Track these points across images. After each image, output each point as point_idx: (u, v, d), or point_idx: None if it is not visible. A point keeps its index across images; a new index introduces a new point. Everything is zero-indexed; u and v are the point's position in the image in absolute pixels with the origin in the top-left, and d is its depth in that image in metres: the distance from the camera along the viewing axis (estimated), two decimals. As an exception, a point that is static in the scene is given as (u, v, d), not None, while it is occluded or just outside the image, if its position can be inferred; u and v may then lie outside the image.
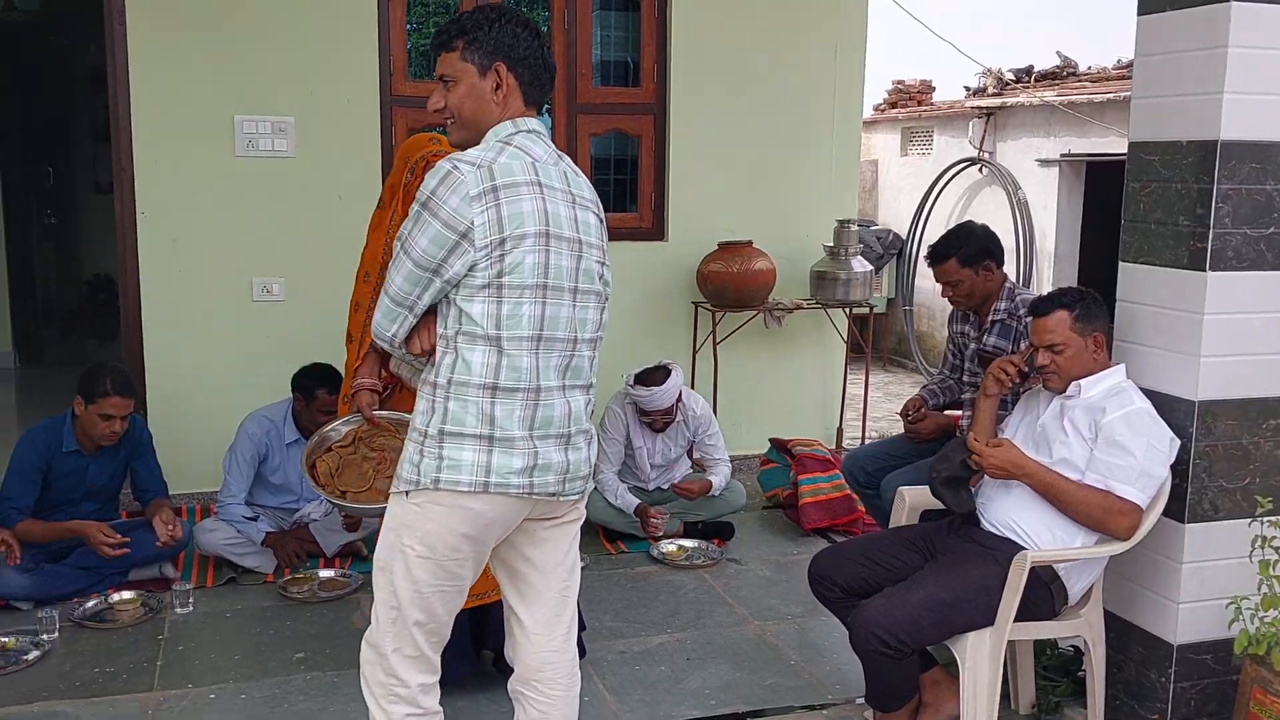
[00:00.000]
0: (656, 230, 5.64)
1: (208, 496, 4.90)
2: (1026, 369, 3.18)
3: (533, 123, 2.32)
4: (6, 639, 3.68)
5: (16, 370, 7.53)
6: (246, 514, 4.35)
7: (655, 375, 4.60)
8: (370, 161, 5.02)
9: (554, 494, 2.30)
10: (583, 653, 3.19)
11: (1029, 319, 3.21)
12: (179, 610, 3.97)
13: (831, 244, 5.62)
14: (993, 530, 3.07)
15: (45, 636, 3.70)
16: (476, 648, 3.33)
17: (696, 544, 4.72)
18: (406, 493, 2.25)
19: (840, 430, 6.01)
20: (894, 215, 9.87)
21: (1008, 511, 3.06)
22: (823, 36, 5.67)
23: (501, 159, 2.22)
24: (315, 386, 4.31)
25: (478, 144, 2.28)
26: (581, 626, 3.22)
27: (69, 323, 8.83)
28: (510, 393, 2.22)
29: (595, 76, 5.52)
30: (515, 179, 2.21)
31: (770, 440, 5.35)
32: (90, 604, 3.96)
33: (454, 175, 2.16)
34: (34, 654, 3.61)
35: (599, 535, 4.77)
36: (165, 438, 4.50)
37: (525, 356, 2.22)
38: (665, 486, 4.90)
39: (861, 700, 3.33)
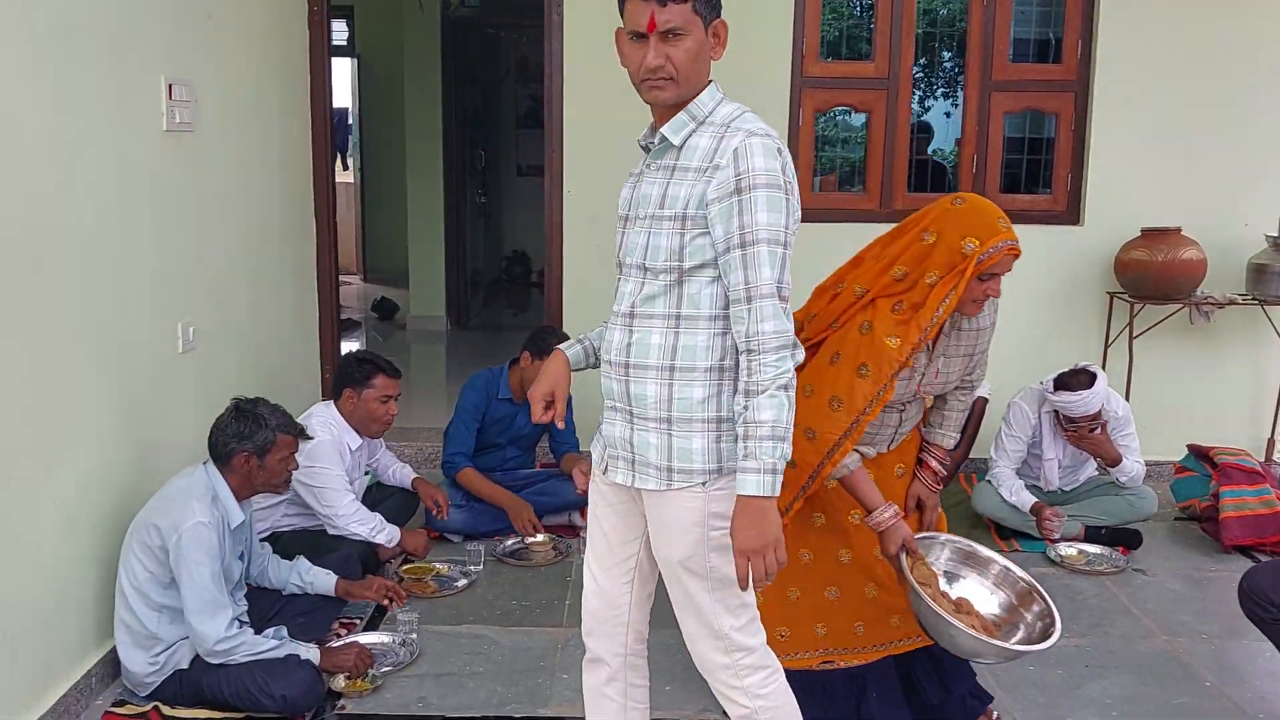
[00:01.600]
0: (1071, 214, 5.32)
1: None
2: None
3: None
4: (441, 565, 4.13)
5: (448, 332, 8.38)
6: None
7: (1078, 379, 4.33)
8: (777, 141, 5.12)
9: None
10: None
11: None
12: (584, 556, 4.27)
13: (1276, 234, 5.06)
14: None
15: (472, 568, 4.11)
16: (907, 696, 3.08)
17: (1099, 549, 4.43)
18: (704, 483, 2.17)
19: (1272, 441, 5.41)
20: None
21: None
22: None
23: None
24: None
25: (682, 106, 2.12)
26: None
27: (490, 292, 9.74)
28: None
29: (1011, 52, 5.30)
30: None
31: (1188, 447, 4.91)
32: (509, 542, 4.35)
33: (784, 151, 2.10)
34: (463, 582, 4.03)
35: (990, 531, 4.60)
36: (576, 400, 4.82)
37: None
38: (1068, 489, 4.64)
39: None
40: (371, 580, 3.74)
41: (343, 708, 3.16)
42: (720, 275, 2.10)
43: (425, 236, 8.26)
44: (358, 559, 3.82)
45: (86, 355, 3.17)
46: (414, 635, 3.52)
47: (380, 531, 3.94)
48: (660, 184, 2.14)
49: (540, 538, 4.40)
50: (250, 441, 3.17)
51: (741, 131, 2.07)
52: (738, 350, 2.11)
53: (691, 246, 2.10)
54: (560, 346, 2.40)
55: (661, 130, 2.14)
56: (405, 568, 4.09)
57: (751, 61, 4.91)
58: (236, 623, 3.08)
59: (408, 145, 8.18)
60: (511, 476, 4.62)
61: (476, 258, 9.17)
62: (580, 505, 4.57)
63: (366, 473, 4.28)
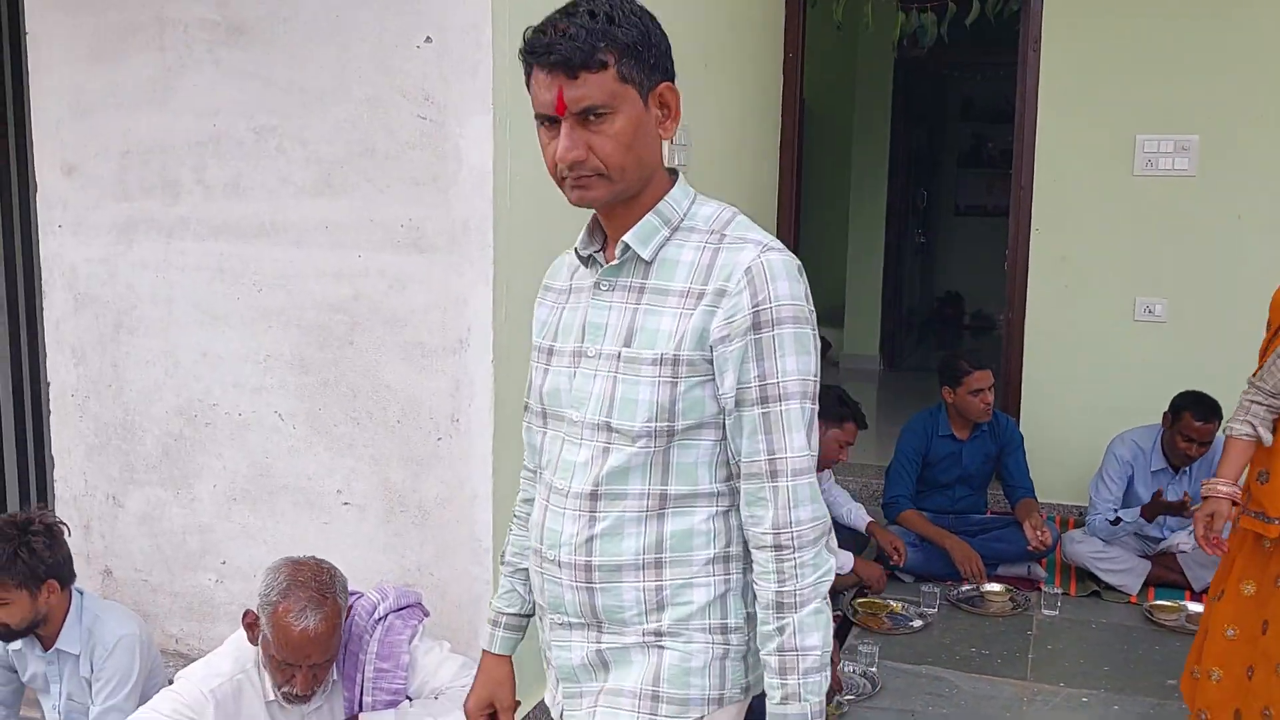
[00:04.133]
0: None
1: (1067, 509, 4.99)
2: None
3: None
4: (895, 603, 4.13)
5: (880, 372, 8.39)
6: (1103, 536, 4.32)
7: None
8: (1274, 181, 4.69)
9: None
10: None
11: None
12: (1046, 612, 4.11)
13: None
14: None
15: (927, 609, 4.08)
16: None
17: None
18: (700, 718, 1.61)
19: None
20: None
21: None
22: None
23: None
24: (1184, 406, 4.19)
25: (635, 204, 1.57)
26: None
27: (922, 333, 9.65)
28: None
29: None
30: None
31: None
32: (964, 588, 4.28)
33: (803, 272, 1.57)
34: (918, 623, 4.01)
35: None
36: (1032, 446, 4.67)
37: None
38: None
39: None
40: None
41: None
42: (724, 437, 1.56)
43: (863, 275, 8.34)
44: None
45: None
46: (874, 668, 3.55)
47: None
48: (622, 311, 1.56)
49: (996, 587, 4.29)
50: None
51: (750, 244, 1.52)
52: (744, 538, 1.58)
53: (687, 400, 1.53)
54: (485, 644, 1.83)
55: (624, 239, 1.55)
56: (859, 600, 4.13)
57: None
58: None
59: (851, 185, 8.31)
60: (964, 521, 4.54)
61: (912, 297, 9.12)
62: (1039, 557, 4.41)
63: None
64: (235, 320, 3.14)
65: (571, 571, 1.58)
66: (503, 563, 1.83)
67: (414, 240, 2.92)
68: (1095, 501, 4.37)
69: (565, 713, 1.67)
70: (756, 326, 1.49)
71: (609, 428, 1.55)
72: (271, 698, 2.44)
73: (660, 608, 1.57)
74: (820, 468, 4.17)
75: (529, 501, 1.77)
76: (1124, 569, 4.27)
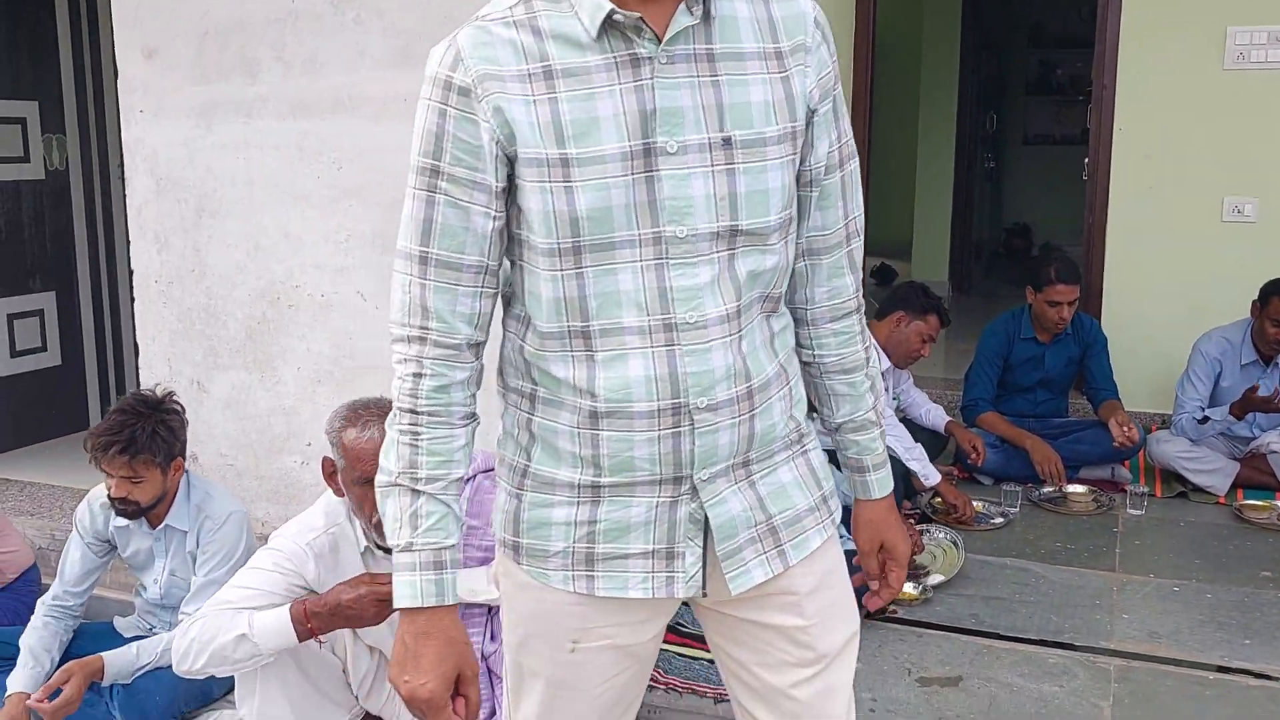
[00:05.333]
0: None
1: (1150, 417, 4.88)
2: None
3: None
4: (976, 502, 4.06)
5: (949, 297, 8.26)
6: (1191, 435, 4.22)
7: None
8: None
9: None
10: None
11: None
12: (1131, 511, 4.02)
13: None
14: None
15: (1008, 508, 4.01)
16: None
17: None
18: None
19: None
20: None
21: None
22: None
23: None
24: (1273, 292, 4.09)
25: None
26: None
27: (990, 262, 9.49)
28: None
29: None
30: None
31: None
32: (1046, 489, 4.19)
33: None
34: (999, 520, 3.94)
35: None
36: (1114, 353, 4.55)
37: None
38: None
39: None
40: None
41: (894, 612, 3.21)
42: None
43: (932, 204, 8.20)
44: None
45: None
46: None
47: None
48: (698, 88, 1.30)
49: (1079, 488, 4.20)
50: None
51: None
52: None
53: (794, 178, 1.39)
54: (431, 598, 1.36)
55: None
56: (937, 499, 4.07)
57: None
58: None
59: (920, 115, 8.16)
60: (1045, 425, 4.44)
61: (980, 228, 8.96)
62: (1123, 458, 4.32)
63: (894, 399, 4.30)
64: (316, 200, 3.14)
65: (733, 407, 1.37)
66: (418, 482, 1.36)
67: (495, 110, 2.89)
68: (1182, 401, 4.26)
69: (733, 574, 1.41)
70: (836, 82, 1.40)
71: (735, 232, 1.32)
72: (365, 545, 2.45)
73: (793, 411, 1.47)
74: (902, 364, 4.14)
75: (444, 390, 1.36)
76: (1212, 469, 4.16)
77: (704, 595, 1.43)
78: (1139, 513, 4.00)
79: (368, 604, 2.29)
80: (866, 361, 1.53)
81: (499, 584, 1.51)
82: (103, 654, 2.70)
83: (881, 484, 1.58)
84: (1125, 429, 4.14)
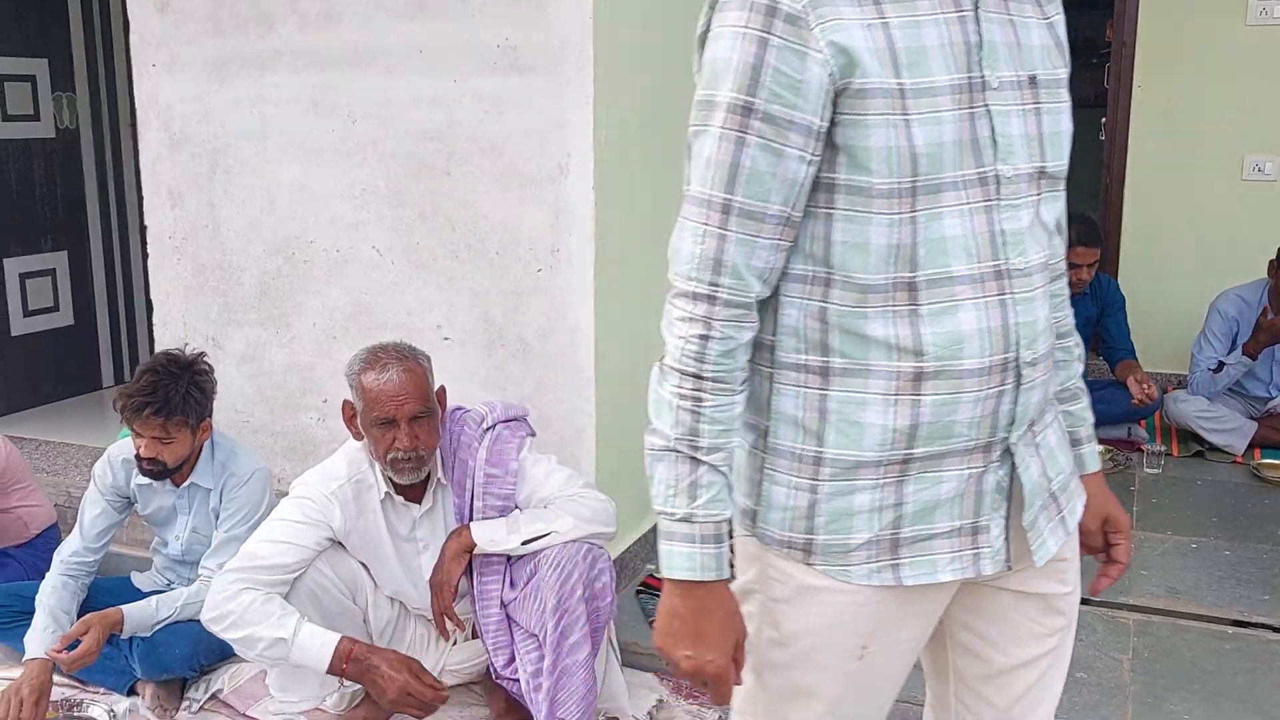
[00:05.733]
0: None
1: (1167, 377, 4.86)
2: None
3: None
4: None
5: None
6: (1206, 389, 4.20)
7: None
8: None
9: None
10: None
11: None
12: (1148, 470, 4.01)
13: None
14: None
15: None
16: None
17: None
18: None
19: None
20: None
21: None
22: None
23: None
24: None
25: None
26: None
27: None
28: None
29: None
30: None
31: None
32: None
33: None
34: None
35: None
36: (1132, 311, 4.50)
37: None
38: None
39: None
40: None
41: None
42: None
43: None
44: None
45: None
46: None
47: None
48: (1004, 25, 1.26)
49: (1096, 447, 4.18)
50: None
51: None
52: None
53: None
54: (711, 573, 1.26)
55: None
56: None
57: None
58: None
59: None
60: (1061, 384, 4.43)
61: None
62: (1140, 417, 4.30)
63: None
64: (330, 154, 3.11)
65: (1048, 360, 1.31)
66: (699, 451, 1.24)
67: (511, 61, 2.86)
68: (1198, 359, 4.24)
69: (1035, 545, 1.33)
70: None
71: (1043, 174, 1.28)
72: (385, 491, 2.45)
73: (1057, 369, 1.40)
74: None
75: (730, 354, 1.24)
76: (1230, 428, 4.15)
77: (1009, 569, 1.33)
78: (1156, 471, 4.00)
79: (396, 691, 2.30)
80: (1072, 326, 1.47)
81: (747, 598, 1.35)
82: (122, 607, 2.71)
83: (1094, 457, 1.51)
84: (1144, 386, 4.12)
